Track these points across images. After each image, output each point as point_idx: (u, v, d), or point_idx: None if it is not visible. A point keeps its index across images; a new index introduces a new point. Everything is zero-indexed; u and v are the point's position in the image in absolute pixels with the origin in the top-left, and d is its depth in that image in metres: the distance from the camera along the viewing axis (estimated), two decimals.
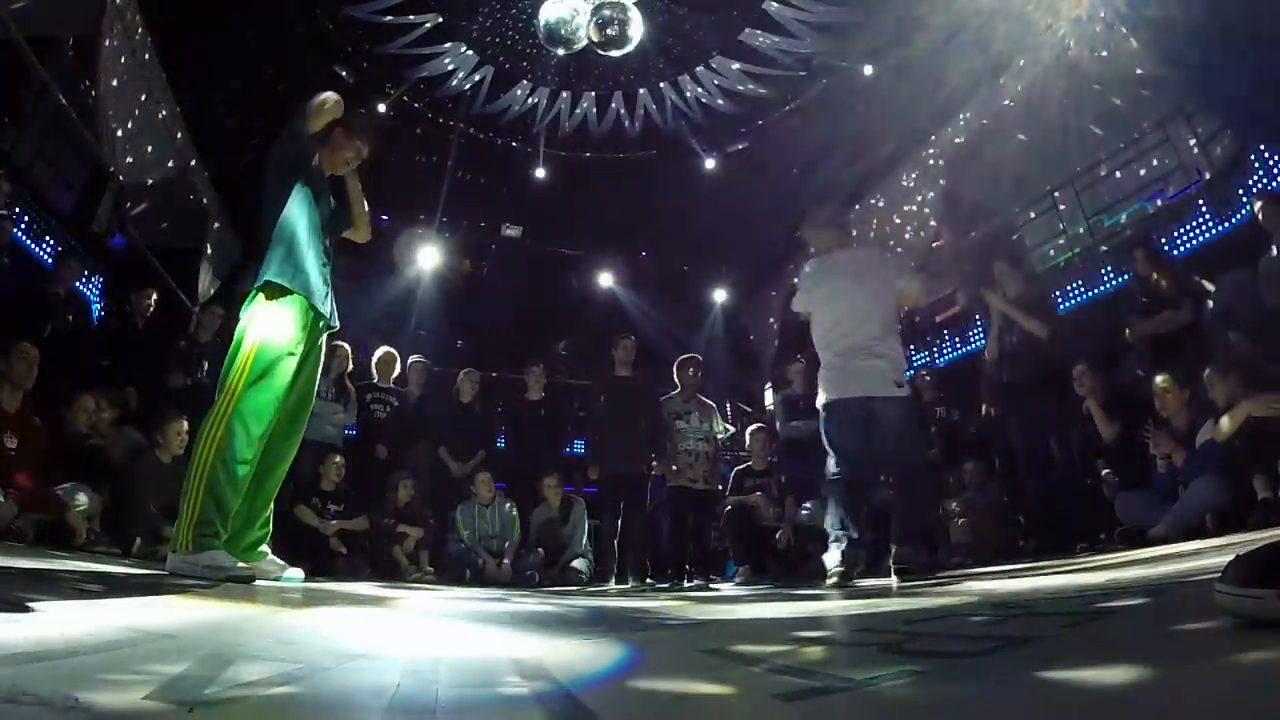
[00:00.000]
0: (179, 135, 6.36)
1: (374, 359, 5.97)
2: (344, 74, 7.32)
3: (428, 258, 9.24)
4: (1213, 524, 3.31)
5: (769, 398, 10.21)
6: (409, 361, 6.10)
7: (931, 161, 7.60)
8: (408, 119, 8.05)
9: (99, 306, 6.59)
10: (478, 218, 9.64)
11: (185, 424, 4.41)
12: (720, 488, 5.51)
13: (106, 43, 4.94)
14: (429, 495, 5.58)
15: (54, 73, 5.24)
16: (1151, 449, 3.97)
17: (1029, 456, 4.71)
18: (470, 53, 7.62)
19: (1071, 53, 6.04)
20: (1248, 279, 4.23)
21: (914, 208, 7.79)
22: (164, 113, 6.05)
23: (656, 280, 10.38)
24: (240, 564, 2.44)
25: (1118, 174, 6.95)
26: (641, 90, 8.06)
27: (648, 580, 5.05)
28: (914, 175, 7.83)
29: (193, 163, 6.68)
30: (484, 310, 9.90)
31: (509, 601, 2.88)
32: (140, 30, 5.53)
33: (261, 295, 2.62)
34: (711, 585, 4.84)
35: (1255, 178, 5.40)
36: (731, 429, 5.79)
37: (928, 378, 6.16)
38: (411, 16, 7.14)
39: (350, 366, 5.59)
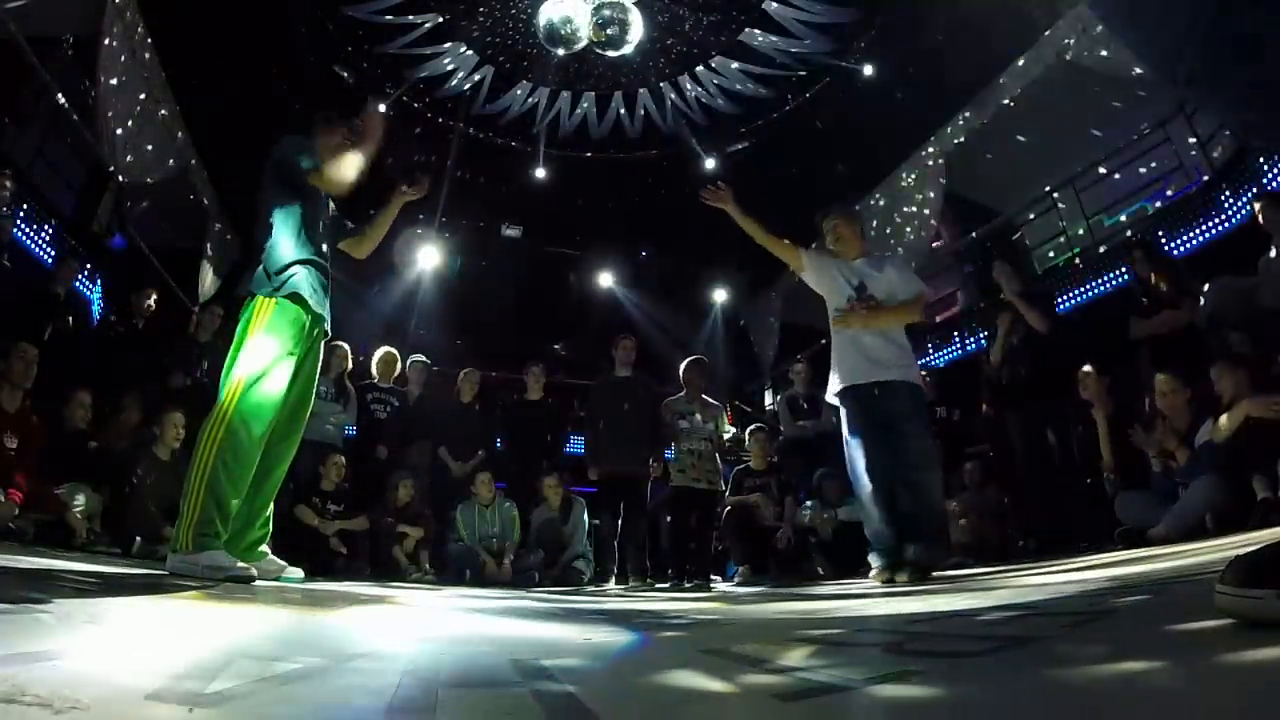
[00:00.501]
0: (179, 135, 6.37)
1: (374, 359, 5.97)
2: (344, 74, 7.33)
3: (428, 258, 9.24)
4: (1213, 524, 3.30)
5: (768, 398, 10.22)
6: (409, 361, 6.10)
7: (931, 161, 7.60)
8: (408, 119, 8.06)
9: (99, 306, 6.59)
10: (478, 218, 9.64)
11: (181, 418, 4.42)
12: (722, 488, 5.52)
13: (106, 42, 4.94)
14: (429, 495, 5.59)
15: (54, 73, 5.25)
16: (1140, 444, 3.98)
17: (1029, 456, 4.72)
18: (470, 53, 7.63)
19: (1071, 53, 6.04)
20: (1239, 282, 4.23)
21: (914, 208, 7.79)
22: (164, 113, 6.06)
23: (656, 280, 10.38)
24: (240, 564, 2.44)
25: (1117, 174, 6.96)
26: (641, 90, 8.07)
27: (648, 580, 5.05)
28: (914, 175, 7.83)
29: (193, 163, 6.69)
30: (484, 310, 9.90)
31: (509, 601, 2.88)
32: (140, 30, 5.53)
33: (260, 297, 2.63)
34: (711, 585, 4.84)
35: (1255, 178, 5.40)
36: (733, 430, 5.78)
37: (928, 378, 6.17)
38: (411, 16, 7.14)
39: (350, 366, 5.59)
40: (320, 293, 2.77)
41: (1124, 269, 6.07)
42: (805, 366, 6.52)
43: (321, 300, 2.78)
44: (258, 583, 2.45)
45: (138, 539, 4.00)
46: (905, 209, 7.89)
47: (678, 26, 7.27)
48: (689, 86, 7.98)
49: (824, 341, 4.01)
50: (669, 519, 5.41)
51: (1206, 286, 4.40)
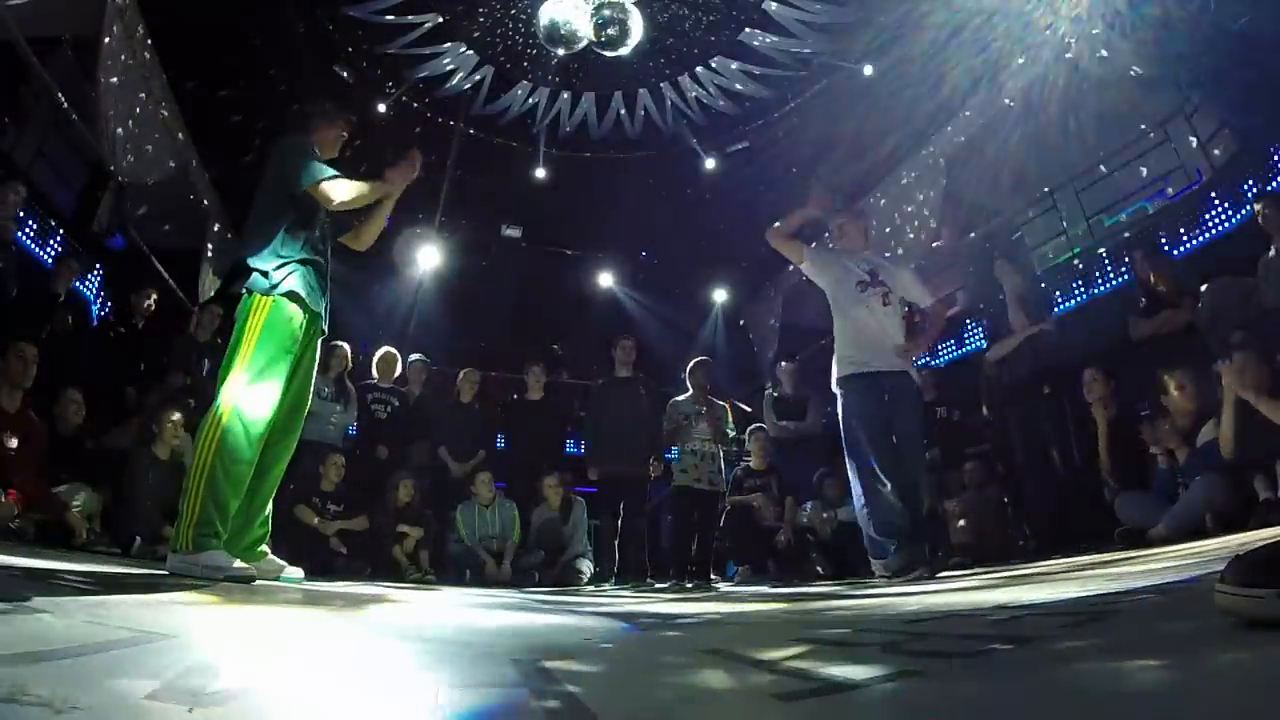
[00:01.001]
0: (179, 135, 6.37)
1: (375, 359, 5.98)
2: (344, 74, 7.32)
3: (428, 258, 9.24)
4: (1213, 524, 3.30)
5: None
6: (409, 360, 6.11)
7: (931, 161, 7.60)
8: (408, 119, 8.05)
9: (99, 307, 6.59)
10: (478, 218, 9.64)
11: (181, 418, 4.42)
12: (724, 489, 5.52)
13: (106, 43, 4.94)
14: (429, 495, 5.59)
15: (54, 73, 5.25)
16: (1147, 439, 3.98)
17: (1029, 456, 4.71)
18: (470, 53, 7.62)
19: (1071, 53, 6.04)
20: (1239, 282, 4.23)
21: (914, 208, 7.79)
22: (164, 113, 6.05)
23: (656, 280, 10.38)
24: (240, 564, 2.44)
25: (1117, 174, 6.95)
26: (641, 90, 8.06)
27: (648, 580, 5.05)
28: (914, 175, 7.83)
29: (193, 163, 6.68)
30: (484, 310, 9.90)
31: (509, 601, 2.88)
32: (140, 30, 5.53)
33: (257, 296, 2.62)
34: (711, 585, 4.85)
35: (1255, 178, 5.40)
36: (734, 430, 5.79)
37: (928, 378, 6.17)
38: (411, 16, 7.14)
39: (350, 366, 5.59)
40: (317, 291, 2.75)
41: (1124, 269, 6.07)
42: (792, 366, 6.53)
43: (319, 298, 2.76)
44: (257, 583, 2.45)
45: (138, 539, 4.00)
46: (905, 209, 7.89)
47: (678, 26, 7.26)
48: (689, 87, 7.98)
49: (823, 342, 4.03)
50: (670, 518, 5.41)
51: (1206, 286, 4.40)
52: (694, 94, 8.06)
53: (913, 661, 1.00)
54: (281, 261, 2.66)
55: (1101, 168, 7.03)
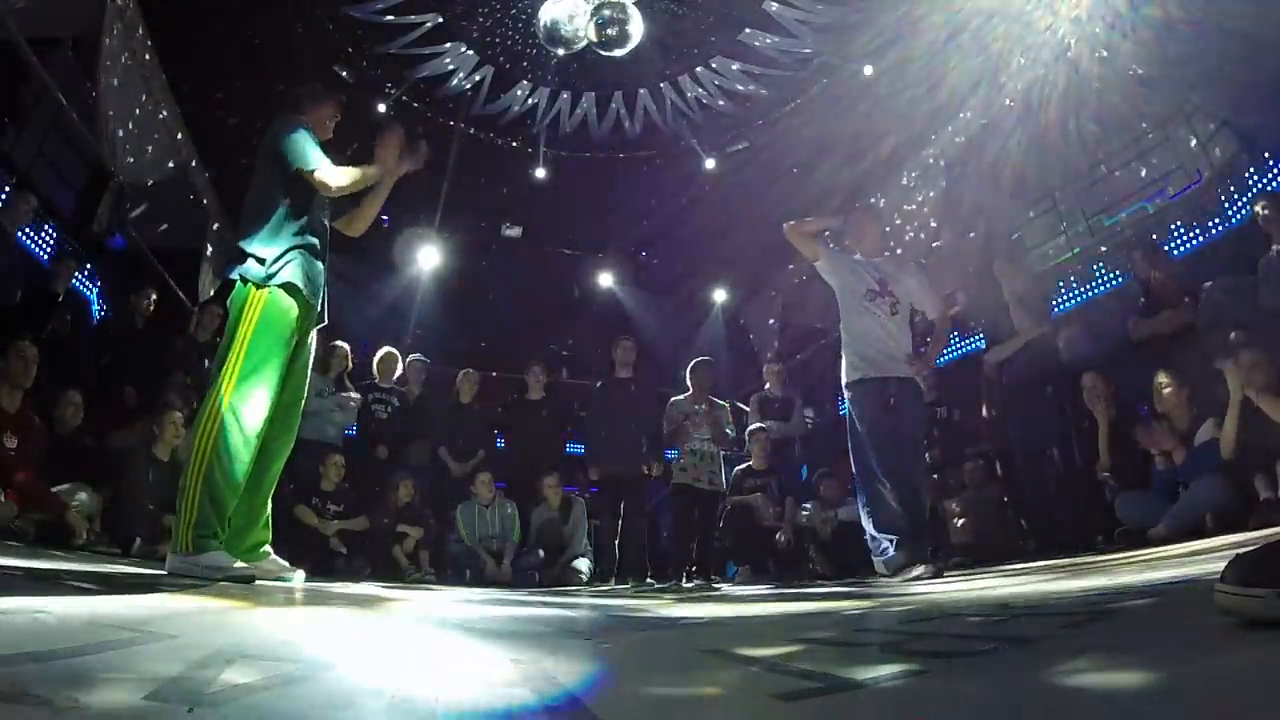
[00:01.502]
0: (179, 135, 6.36)
1: (375, 359, 5.98)
2: (344, 74, 7.32)
3: (428, 258, 9.24)
4: (1213, 524, 3.31)
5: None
6: (408, 360, 6.11)
7: (931, 161, 7.60)
8: (408, 119, 8.05)
9: (99, 306, 6.59)
10: (478, 218, 9.63)
11: (180, 417, 4.42)
12: (724, 488, 5.52)
13: (106, 43, 4.93)
14: (429, 495, 5.59)
15: (54, 73, 5.24)
16: (1142, 443, 3.98)
17: (1029, 456, 4.71)
18: (470, 53, 7.62)
19: (1071, 53, 6.04)
20: (1239, 282, 4.23)
21: (914, 208, 7.79)
22: (164, 113, 6.05)
23: (656, 280, 10.37)
24: (240, 564, 2.43)
25: (1118, 174, 6.95)
26: (642, 90, 8.06)
27: (648, 580, 5.05)
28: (914, 175, 7.83)
29: (193, 163, 6.68)
30: (484, 310, 9.90)
31: (509, 601, 2.88)
32: (140, 30, 5.52)
33: (252, 287, 2.54)
34: (712, 585, 4.85)
35: (1256, 178, 5.40)
36: (734, 431, 5.80)
37: (928, 378, 6.17)
38: (411, 16, 7.14)
39: (350, 366, 5.59)
40: (315, 281, 2.66)
41: (1124, 269, 6.07)
42: (778, 367, 6.54)
43: (316, 289, 2.68)
44: (258, 583, 2.44)
45: (138, 539, 4.00)
46: (905, 209, 7.89)
47: (678, 26, 7.26)
48: (689, 87, 7.98)
49: (823, 342, 4.06)
50: (670, 518, 5.41)
51: (1206, 286, 4.40)
52: (694, 94, 8.06)
53: (913, 661, 1.00)
54: (279, 249, 2.56)
55: (1102, 168, 7.02)
